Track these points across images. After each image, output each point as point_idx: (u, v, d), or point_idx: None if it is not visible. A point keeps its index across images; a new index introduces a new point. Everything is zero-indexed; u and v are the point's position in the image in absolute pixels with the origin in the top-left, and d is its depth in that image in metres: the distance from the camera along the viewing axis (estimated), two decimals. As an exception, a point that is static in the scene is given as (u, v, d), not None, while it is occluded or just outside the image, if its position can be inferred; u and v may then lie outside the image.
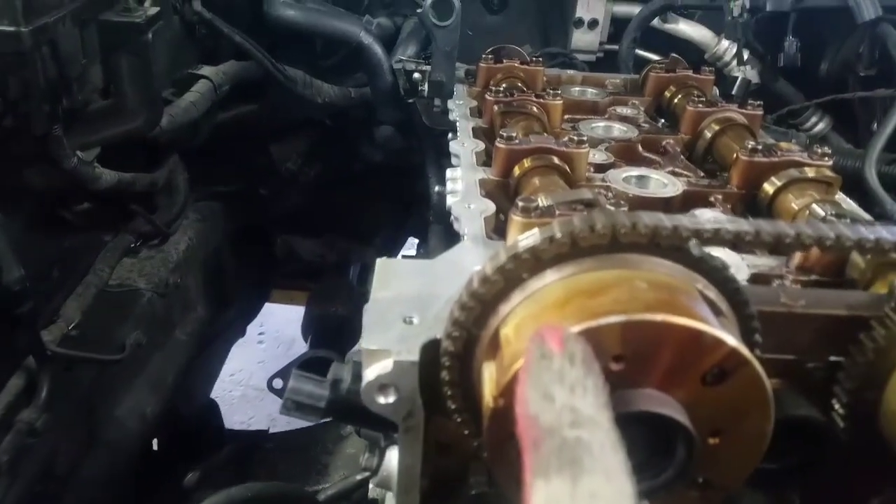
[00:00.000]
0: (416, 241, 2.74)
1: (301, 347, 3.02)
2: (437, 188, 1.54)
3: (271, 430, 2.33)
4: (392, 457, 0.83)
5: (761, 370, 0.61)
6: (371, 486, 0.92)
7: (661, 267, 0.65)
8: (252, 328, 3.00)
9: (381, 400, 0.72)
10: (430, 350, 0.72)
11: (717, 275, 0.66)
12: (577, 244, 0.64)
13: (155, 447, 1.90)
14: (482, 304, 0.67)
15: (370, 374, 0.72)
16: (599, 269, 0.64)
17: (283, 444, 1.77)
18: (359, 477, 1.38)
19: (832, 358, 0.75)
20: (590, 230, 0.63)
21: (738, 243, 0.65)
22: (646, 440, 0.63)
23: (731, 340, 0.59)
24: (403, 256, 2.84)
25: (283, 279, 2.90)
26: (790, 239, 0.65)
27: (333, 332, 2.65)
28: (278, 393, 2.34)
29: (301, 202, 2.56)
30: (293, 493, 1.41)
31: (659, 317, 0.58)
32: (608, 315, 0.58)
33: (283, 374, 2.38)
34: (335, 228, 2.75)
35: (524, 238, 0.65)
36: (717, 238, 0.64)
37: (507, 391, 0.61)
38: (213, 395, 2.47)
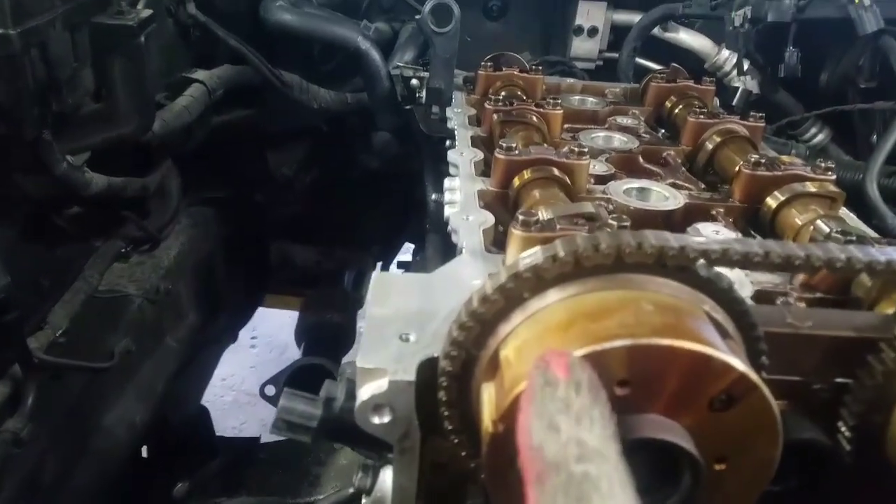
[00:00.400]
0: (412, 245, 2.72)
1: (294, 352, 2.99)
2: (434, 196, 1.52)
3: (263, 437, 2.30)
4: (386, 477, 0.81)
5: (770, 396, 0.59)
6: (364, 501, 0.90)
7: (666, 288, 0.63)
8: (245, 333, 2.98)
9: (376, 420, 0.70)
10: (427, 369, 0.69)
11: (725, 296, 0.64)
12: (580, 263, 0.62)
13: (144, 454, 1.87)
14: (481, 323, 0.65)
15: (364, 393, 0.69)
16: (603, 290, 0.62)
17: (275, 455, 1.74)
18: (352, 490, 1.35)
19: (838, 379, 0.74)
20: (594, 249, 0.61)
21: (746, 264, 0.63)
22: (651, 466, 0.61)
23: (740, 366, 0.57)
24: (399, 263, 2.82)
25: (278, 285, 2.87)
26: (800, 261, 0.63)
27: (327, 338, 2.62)
28: (270, 400, 2.32)
29: (297, 208, 2.53)
30: (285, 507, 1.39)
31: (666, 341, 0.56)
32: (613, 339, 0.56)
33: (276, 380, 2.35)
34: (331, 235, 2.73)
35: (526, 256, 0.63)
36: (725, 258, 0.62)
37: (508, 415, 0.59)
38: (205, 399, 2.43)
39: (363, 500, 0.87)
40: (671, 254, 0.61)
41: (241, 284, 2.46)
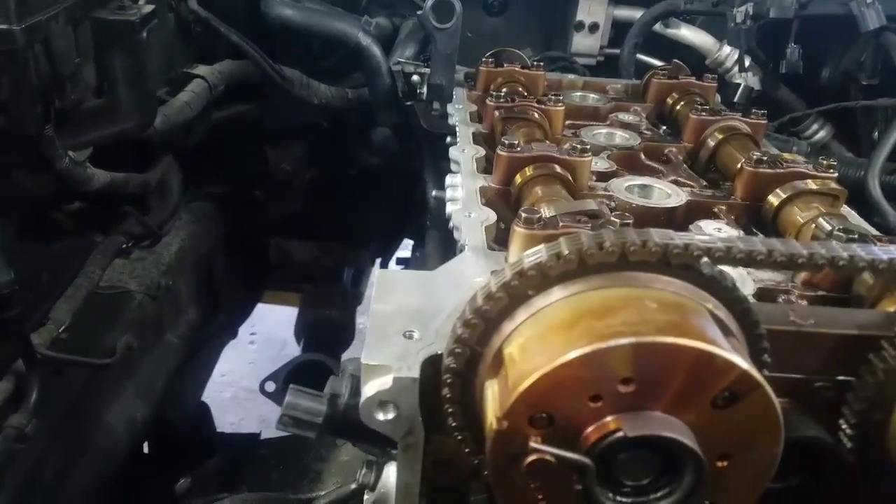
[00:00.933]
0: (411, 242, 2.71)
1: (293, 349, 2.99)
2: (434, 192, 1.52)
3: (263, 433, 2.30)
4: (390, 473, 0.82)
5: (772, 393, 0.59)
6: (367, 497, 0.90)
7: (670, 286, 0.63)
8: (244, 329, 2.97)
9: (381, 416, 0.70)
10: (431, 366, 0.70)
11: (727, 294, 0.64)
12: (584, 261, 0.62)
13: (146, 450, 1.87)
14: (485, 321, 0.65)
15: (369, 389, 0.70)
16: (607, 288, 0.62)
17: (276, 451, 1.74)
18: (353, 486, 1.36)
19: (840, 377, 0.74)
20: (598, 247, 0.61)
21: (750, 262, 0.63)
22: (653, 462, 0.61)
23: (743, 363, 0.57)
24: (398, 259, 2.82)
25: (277, 282, 2.87)
26: (803, 259, 0.63)
27: (326, 335, 2.62)
28: (270, 396, 2.32)
29: (296, 205, 2.53)
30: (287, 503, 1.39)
31: (669, 339, 0.56)
32: (618, 337, 0.56)
33: (275, 376, 2.36)
34: (330, 231, 2.72)
35: (530, 254, 0.63)
36: (728, 257, 0.63)
37: (512, 412, 0.59)
38: (204, 396, 2.44)
39: (366, 496, 0.87)
40: (675, 252, 0.61)
41: (240, 280, 2.46)
